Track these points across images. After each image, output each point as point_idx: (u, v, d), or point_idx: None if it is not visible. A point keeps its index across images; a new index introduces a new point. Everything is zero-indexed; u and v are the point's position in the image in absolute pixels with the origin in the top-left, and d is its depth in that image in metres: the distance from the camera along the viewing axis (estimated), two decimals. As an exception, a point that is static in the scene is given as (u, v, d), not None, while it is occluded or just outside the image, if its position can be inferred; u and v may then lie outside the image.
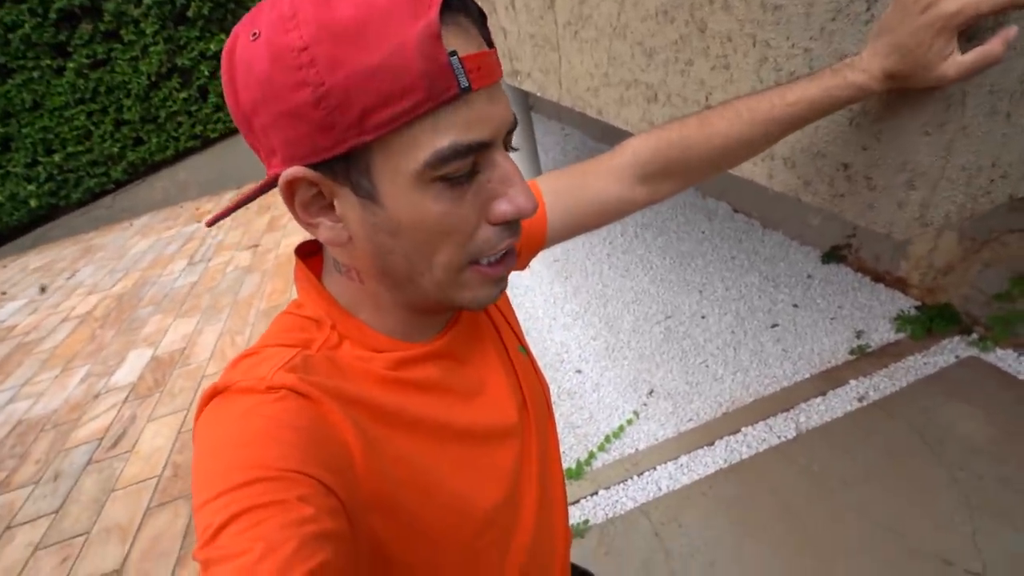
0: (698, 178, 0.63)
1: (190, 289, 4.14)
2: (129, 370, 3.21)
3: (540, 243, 0.62)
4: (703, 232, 3.14)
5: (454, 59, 0.33)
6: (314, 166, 0.35)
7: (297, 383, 0.36)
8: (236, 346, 3.21)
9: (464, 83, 0.33)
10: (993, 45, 0.45)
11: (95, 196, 6.42)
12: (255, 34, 0.34)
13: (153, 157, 6.29)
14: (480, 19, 0.38)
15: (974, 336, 2.00)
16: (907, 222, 0.58)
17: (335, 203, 0.37)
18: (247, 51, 0.34)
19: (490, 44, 0.38)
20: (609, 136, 4.68)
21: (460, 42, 0.34)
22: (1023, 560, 1.35)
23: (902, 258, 2.30)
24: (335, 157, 0.34)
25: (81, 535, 2.11)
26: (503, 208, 0.38)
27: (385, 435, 0.39)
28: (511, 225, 0.39)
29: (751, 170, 0.78)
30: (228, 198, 6.33)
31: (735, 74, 0.76)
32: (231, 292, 3.91)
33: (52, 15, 5.45)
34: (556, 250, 3.36)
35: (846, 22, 0.57)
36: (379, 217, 0.36)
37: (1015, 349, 1.91)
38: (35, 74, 5.63)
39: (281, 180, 0.36)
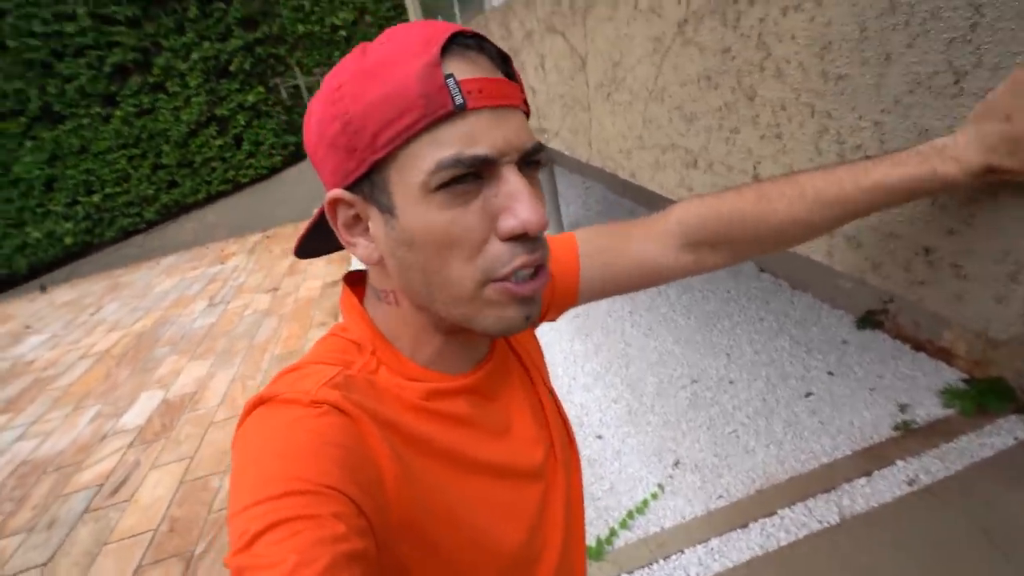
0: (747, 255, 0.57)
1: (207, 331, 4.13)
2: (139, 412, 3.16)
3: (572, 297, 0.60)
4: (729, 292, 3.05)
5: (450, 80, 0.36)
6: (349, 188, 0.40)
7: (340, 400, 0.37)
8: (247, 392, 3.15)
9: (459, 100, 0.36)
10: None
11: (127, 235, 6.62)
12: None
13: (186, 199, 6.51)
14: (498, 57, 0.40)
15: (1032, 416, 1.84)
16: (1009, 320, 0.50)
17: (369, 224, 0.41)
18: (311, 102, 0.41)
19: (510, 77, 0.41)
20: (631, 190, 4.69)
21: (463, 68, 0.37)
22: None
23: (945, 327, 2.17)
24: (361, 177, 0.39)
25: (68, 592, 1.99)
26: (509, 223, 0.38)
27: (416, 460, 0.40)
28: (525, 242, 0.39)
29: (807, 246, 0.71)
30: (254, 240, 6.47)
31: (788, 144, 0.71)
32: (247, 336, 3.89)
33: (107, 68, 5.82)
34: (577, 307, 3.28)
35: (928, 95, 0.51)
36: (397, 230, 0.39)
37: (1080, 433, 1.75)
38: (84, 121, 5.95)
39: (325, 201, 0.41)
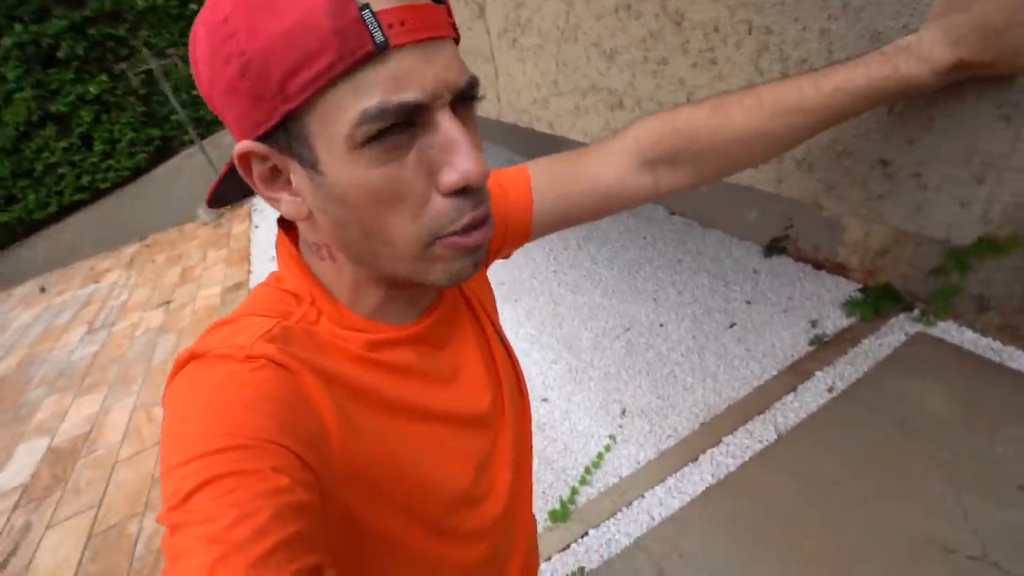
0: (709, 173, 0.53)
1: (92, 361, 3.61)
2: (18, 468, 2.71)
3: (526, 233, 0.56)
4: (645, 238, 3.13)
5: (366, 12, 0.31)
6: (261, 139, 0.35)
7: (276, 354, 0.35)
8: (154, 421, 2.80)
9: (380, 38, 0.31)
10: None
11: (-38, 266, 5.57)
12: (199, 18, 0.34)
13: (32, 216, 5.56)
14: None
15: (917, 312, 2.07)
16: (972, 222, 0.49)
17: (291, 177, 0.37)
18: (194, 31, 0.34)
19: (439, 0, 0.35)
20: (536, 150, 4.64)
21: None
22: (1015, 533, 1.35)
23: (839, 244, 2.37)
24: (274, 128, 0.34)
25: None
26: (449, 178, 0.35)
27: (360, 412, 0.39)
28: (469, 194, 0.36)
29: (752, 175, 0.68)
30: (130, 252, 5.71)
31: (724, 69, 0.66)
32: (143, 359, 3.45)
33: None
34: (500, 273, 3.22)
35: (879, -7, 0.47)
36: (326, 187, 0.35)
37: (955, 320, 1.99)
38: None
39: (233, 156, 0.36)
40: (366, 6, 0.31)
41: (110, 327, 4.06)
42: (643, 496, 1.70)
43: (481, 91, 0.37)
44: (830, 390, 1.88)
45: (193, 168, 5.93)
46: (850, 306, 2.19)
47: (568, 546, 1.62)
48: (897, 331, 2.04)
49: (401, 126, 0.33)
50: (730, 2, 0.61)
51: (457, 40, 0.38)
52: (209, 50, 0.33)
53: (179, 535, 0.27)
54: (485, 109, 1.53)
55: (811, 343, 2.09)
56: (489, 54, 1.33)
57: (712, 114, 0.49)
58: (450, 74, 0.34)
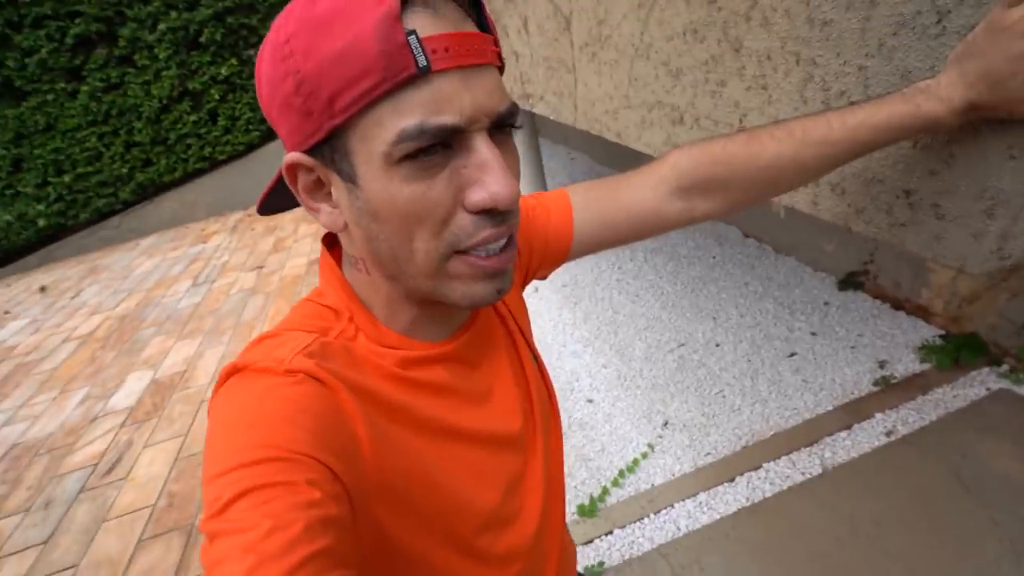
0: (742, 199, 0.57)
1: (193, 310, 4.09)
2: (128, 393, 3.14)
3: (564, 254, 0.59)
4: (714, 257, 3.08)
5: (412, 38, 0.33)
6: (308, 152, 0.37)
7: (315, 369, 0.36)
8: (237, 370, 3.14)
9: (423, 62, 0.33)
10: None
11: (103, 216, 6.44)
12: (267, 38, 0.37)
13: (162, 178, 6.33)
14: (467, 2, 0.37)
15: (1004, 368, 1.92)
16: (984, 255, 0.52)
17: (332, 190, 0.39)
18: (260, 51, 0.38)
19: (484, 28, 0.38)
20: (616, 161, 4.67)
21: (426, 23, 0.34)
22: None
23: (923, 286, 2.23)
24: (320, 142, 0.36)
25: (70, 568, 2.01)
26: (477, 196, 0.36)
27: (393, 429, 0.40)
28: (493, 216, 0.37)
29: (792, 196, 0.73)
30: (235, 219, 6.35)
31: (774, 95, 0.71)
32: (234, 314, 3.86)
33: (69, 40, 5.56)
34: (565, 275, 3.30)
35: (911, 36, 0.52)
36: (361, 201, 0.37)
37: (1048, 382, 1.83)
38: (49, 97, 5.70)
39: (283, 166, 0.39)
40: (413, 32, 0.33)
41: (211, 283, 4.56)
42: (672, 506, 1.72)
43: (517, 120, 0.39)
44: (888, 434, 1.79)
45: (297, 149, 6.48)
46: (927, 351, 2.06)
47: (591, 540, 1.68)
48: (978, 385, 1.90)
49: (437, 147, 0.35)
50: (782, 34, 0.67)
51: (502, 69, 0.40)
52: (271, 68, 0.36)
53: (217, 543, 0.28)
54: (563, 116, 1.63)
55: (876, 384, 2.00)
56: (571, 65, 1.42)
57: (746, 144, 0.53)
58: (490, 100, 0.36)
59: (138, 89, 5.86)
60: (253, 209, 6.51)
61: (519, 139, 3.42)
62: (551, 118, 1.70)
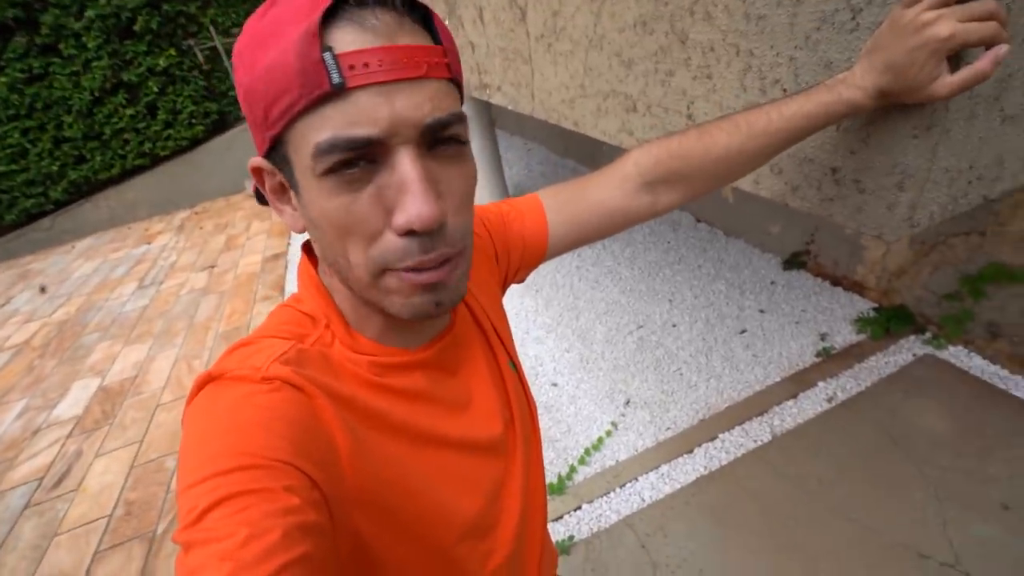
0: (700, 188, 0.62)
1: (141, 313, 3.91)
2: (73, 402, 2.99)
3: (540, 255, 0.62)
4: (669, 242, 3.21)
5: (327, 55, 0.32)
6: (266, 157, 0.39)
7: (292, 375, 0.36)
8: (193, 372, 3.04)
9: (336, 79, 0.33)
10: (983, 64, 0.46)
11: (32, 217, 6.02)
12: None
13: (97, 176, 5.97)
14: (408, 11, 0.35)
15: (928, 335, 2.10)
16: (897, 223, 0.59)
17: (291, 194, 0.40)
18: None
19: (435, 40, 0.37)
20: (573, 151, 4.75)
21: (349, 38, 0.33)
22: (990, 546, 1.40)
23: (858, 263, 2.41)
24: (270, 150, 0.38)
25: (20, 587, 1.92)
26: (399, 218, 0.35)
27: (371, 436, 0.40)
28: (422, 238, 0.36)
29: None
30: (181, 217, 6.07)
31: (718, 83, 0.77)
32: (186, 316, 3.71)
33: (-18, 27, 5.13)
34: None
35: (831, 31, 0.58)
36: (303, 208, 0.38)
37: (966, 346, 2.02)
38: (-38, 89, 5.26)
39: (249, 167, 0.41)
40: (329, 49, 0.32)
41: (159, 285, 4.36)
42: (636, 479, 1.80)
43: (463, 133, 0.38)
44: (830, 400, 1.94)
45: (244, 143, 6.26)
46: (861, 323, 2.23)
47: (561, 517, 1.74)
48: (905, 351, 2.08)
49: (360, 162, 0.34)
50: (723, 28, 0.73)
51: (453, 78, 0.38)
52: (235, 75, 0.38)
53: (192, 553, 0.28)
54: (521, 106, 1.66)
55: (818, 355, 2.15)
56: (528, 56, 1.46)
57: (699, 139, 0.57)
58: (416, 112, 0.34)
59: (65, 80, 5.48)
60: (201, 207, 6.24)
61: (475, 130, 3.43)
62: (509, 108, 1.73)
